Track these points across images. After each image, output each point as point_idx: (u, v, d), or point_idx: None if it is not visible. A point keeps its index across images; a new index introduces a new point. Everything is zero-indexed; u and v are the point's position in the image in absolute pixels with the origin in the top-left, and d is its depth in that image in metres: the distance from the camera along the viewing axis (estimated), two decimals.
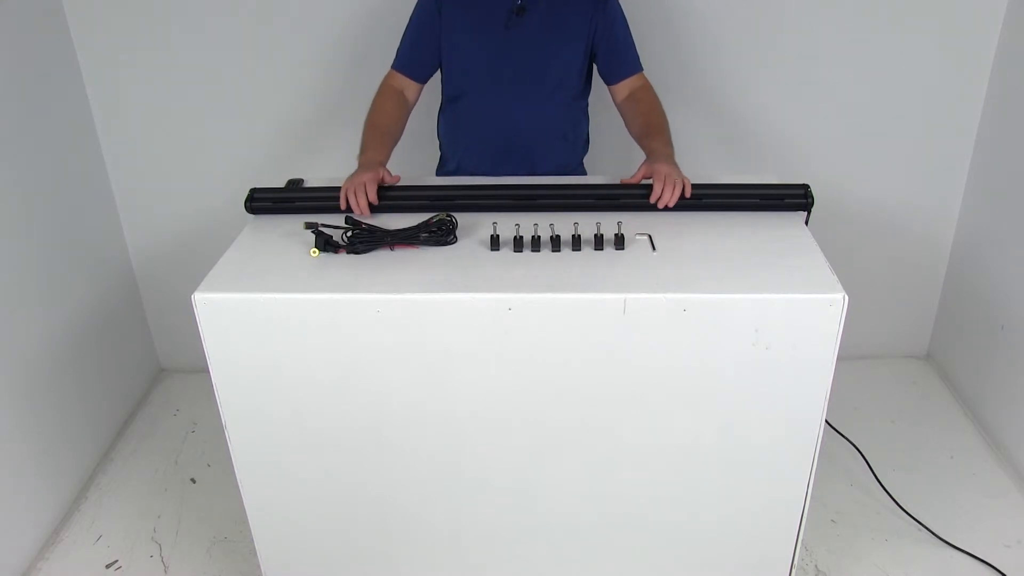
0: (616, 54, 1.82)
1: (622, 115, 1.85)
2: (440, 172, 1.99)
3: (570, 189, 1.64)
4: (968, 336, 2.41)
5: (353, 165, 2.32)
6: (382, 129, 1.76)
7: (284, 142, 2.35)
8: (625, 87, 1.83)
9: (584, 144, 1.98)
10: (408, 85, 1.84)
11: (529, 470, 1.49)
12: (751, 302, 1.31)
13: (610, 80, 1.85)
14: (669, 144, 1.70)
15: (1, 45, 1.92)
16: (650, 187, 1.56)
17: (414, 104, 1.87)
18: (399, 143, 1.80)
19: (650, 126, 1.74)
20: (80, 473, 2.20)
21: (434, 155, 2.02)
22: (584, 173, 1.99)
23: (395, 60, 1.86)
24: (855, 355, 2.37)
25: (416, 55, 1.83)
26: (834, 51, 2.23)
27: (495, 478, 1.50)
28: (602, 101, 1.92)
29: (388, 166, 1.67)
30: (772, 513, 1.53)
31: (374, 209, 1.58)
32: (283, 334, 1.36)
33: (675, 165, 1.58)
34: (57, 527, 2.06)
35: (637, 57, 1.85)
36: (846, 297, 1.30)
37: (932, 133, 2.32)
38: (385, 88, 1.84)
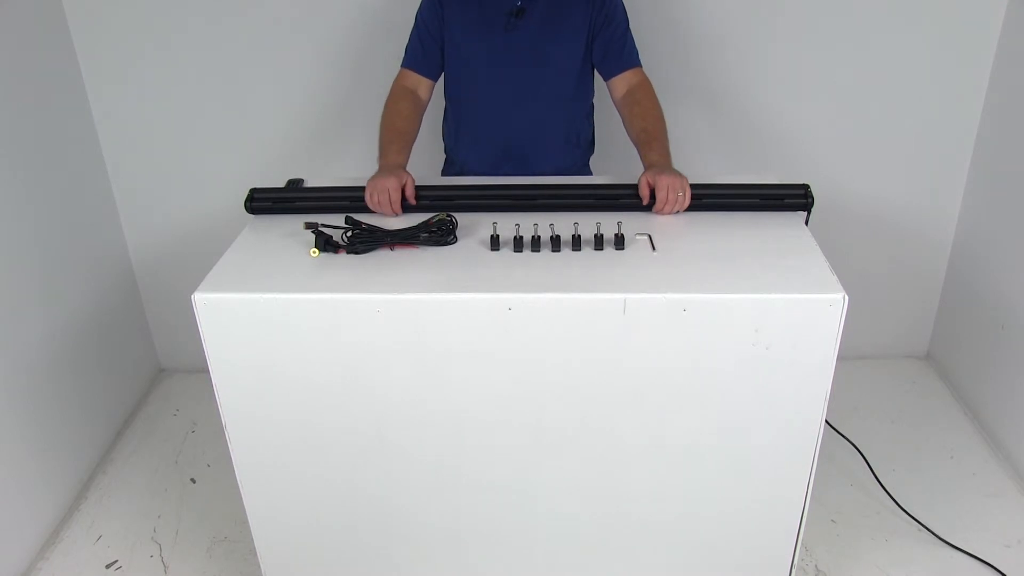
0: (613, 48, 1.82)
1: (620, 114, 1.84)
2: (445, 172, 2.00)
3: (570, 189, 1.64)
4: (968, 336, 2.42)
5: (354, 164, 2.34)
6: (399, 130, 1.76)
7: (284, 142, 2.35)
8: (623, 82, 1.82)
9: (589, 145, 1.98)
10: (420, 83, 1.85)
11: (529, 470, 1.49)
12: (751, 302, 1.31)
13: (607, 74, 1.84)
14: (667, 153, 1.70)
15: (1, 45, 1.92)
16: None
17: (427, 102, 1.87)
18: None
19: (648, 132, 1.73)
20: (80, 473, 2.20)
21: (438, 155, 2.02)
22: (590, 174, 1.99)
23: (405, 59, 1.86)
24: (855, 355, 2.37)
25: (425, 52, 1.84)
26: (834, 51, 2.23)
27: (495, 478, 1.50)
28: (609, 102, 1.91)
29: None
30: (772, 513, 1.53)
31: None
32: (283, 334, 1.36)
33: (675, 173, 1.58)
34: (57, 527, 2.06)
35: (635, 52, 1.84)
36: (846, 297, 1.30)
37: (932, 133, 2.32)
38: (397, 89, 1.84)
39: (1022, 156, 2.12)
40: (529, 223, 1.48)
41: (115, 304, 2.42)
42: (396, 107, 1.80)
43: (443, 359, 1.37)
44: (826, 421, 1.42)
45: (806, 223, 1.57)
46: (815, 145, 2.35)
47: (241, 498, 1.54)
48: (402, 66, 1.86)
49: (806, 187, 1.59)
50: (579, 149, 1.94)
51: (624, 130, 1.83)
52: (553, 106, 1.85)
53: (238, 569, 1.92)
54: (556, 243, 1.44)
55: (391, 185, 1.56)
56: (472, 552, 1.60)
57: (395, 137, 1.74)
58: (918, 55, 2.23)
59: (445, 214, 1.50)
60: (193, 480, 2.21)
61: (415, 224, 1.49)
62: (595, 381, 1.38)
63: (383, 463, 1.49)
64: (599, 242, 1.45)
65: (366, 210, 1.58)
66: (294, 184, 1.73)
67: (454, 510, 1.55)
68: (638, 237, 1.49)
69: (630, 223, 1.50)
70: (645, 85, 1.82)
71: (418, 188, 1.61)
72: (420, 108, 1.84)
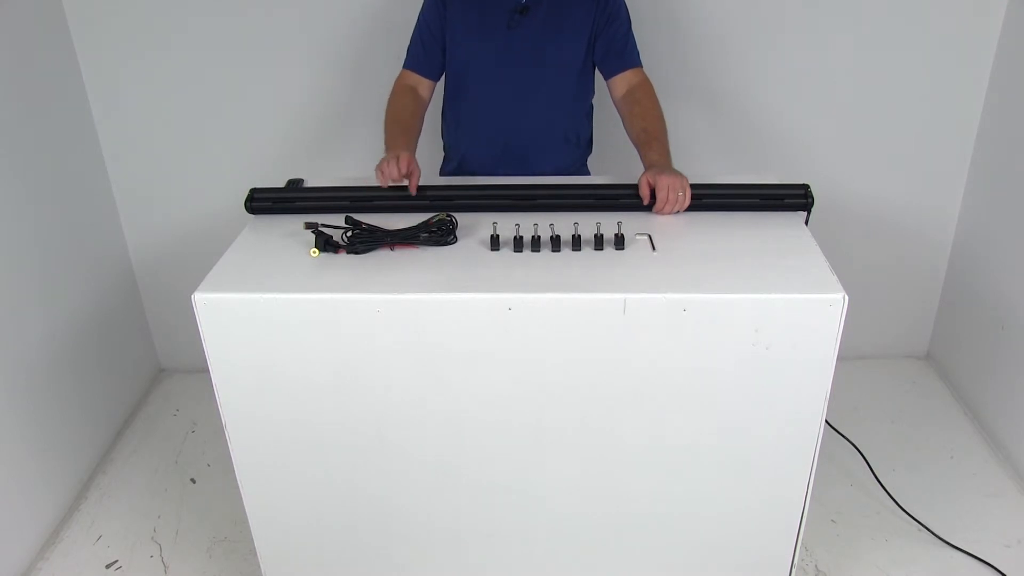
0: (614, 47, 1.82)
1: (620, 113, 1.85)
2: (444, 171, 2.00)
3: (570, 189, 1.64)
4: (968, 336, 2.41)
5: (354, 164, 2.34)
6: (403, 124, 1.76)
7: (284, 142, 2.35)
8: (623, 82, 1.82)
9: (588, 145, 1.98)
10: (421, 82, 1.85)
11: (529, 470, 1.49)
12: (751, 302, 1.31)
13: (608, 73, 1.85)
14: (667, 152, 1.70)
15: (1, 45, 1.92)
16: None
17: (428, 101, 1.88)
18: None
19: (648, 132, 1.73)
20: (80, 473, 2.20)
21: (436, 154, 2.02)
22: (588, 174, 1.99)
23: (406, 60, 1.87)
24: (855, 355, 2.37)
25: (426, 52, 1.84)
26: (835, 51, 2.23)
27: (495, 478, 1.50)
28: (608, 102, 1.91)
29: None
30: (772, 513, 1.53)
31: (380, 209, 1.58)
32: (283, 334, 1.36)
33: (676, 173, 1.58)
34: (57, 527, 2.06)
35: (636, 52, 1.84)
36: (846, 297, 1.30)
37: (932, 133, 2.32)
38: (399, 87, 1.84)
39: (1022, 156, 2.12)
40: (529, 223, 1.48)
41: (115, 304, 2.42)
42: (400, 102, 1.81)
43: (443, 359, 1.37)
44: (826, 421, 1.42)
45: (806, 223, 1.57)
46: (815, 145, 2.35)
47: (241, 498, 1.54)
48: (404, 67, 1.87)
49: (806, 187, 1.59)
50: (578, 149, 1.94)
51: (623, 130, 1.83)
52: (554, 105, 1.85)
53: (238, 569, 1.92)
54: (556, 243, 1.44)
55: (399, 154, 1.56)
56: (472, 552, 1.60)
57: (401, 131, 1.74)
58: (918, 55, 2.23)
59: (445, 214, 1.50)
60: (193, 480, 2.21)
61: (415, 224, 1.49)
62: (595, 381, 1.38)
63: (383, 463, 1.49)
64: (599, 242, 1.45)
65: (366, 210, 1.58)
66: (294, 184, 1.73)
67: (454, 510, 1.55)
68: (638, 237, 1.49)
69: (630, 223, 1.50)
70: (645, 85, 1.82)
71: (419, 187, 1.61)
72: (423, 106, 1.85)
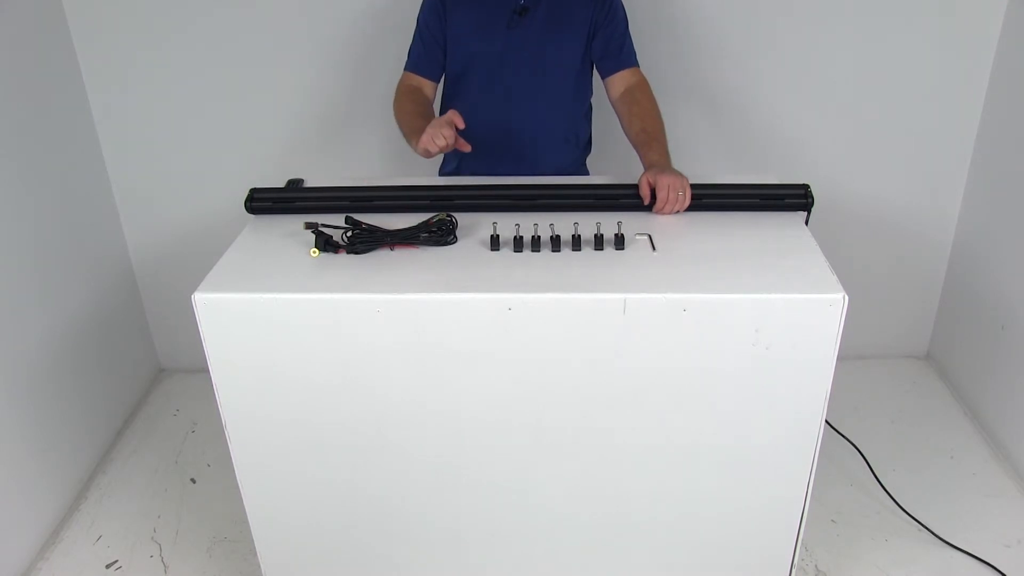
0: (612, 46, 1.82)
1: (618, 113, 1.85)
2: (442, 171, 2.00)
3: (570, 189, 1.64)
4: (968, 336, 2.42)
5: (355, 164, 2.34)
6: (421, 115, 1.75)
7: (285, 142, 2.35)
8: (620, 81, 1.83)
9: (587, 145, 1.98)
10: (423, 83, 1.86)
11: (529, 470, 1.49)
12: (751, 302, 1.31)
13: (605, 72, 1.85)
14: (666, 152, 1.70)
15: (1, 45, 1.92)
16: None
17: (432, 101, 1.88)
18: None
19: (647, 132, 1.73)
20: (80, 473, 2.20)
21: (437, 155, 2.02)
22: (587, 174, 1.99)
23: (407, 62, 1.87)
24: (855, 355, 2.37)
25: (427, 53, 1.84)
26: (835, 51, 2.23)
27: (495, 478, 1.50)
28: (607, 102, 1.91)
29: (394, 169, 1.66)
30: (772, 513, 1.53)
31: (380, 209, 1.58)
32: (283, 334, 1.36)
33: (676, 173, 1.58)
34: (57, 527, 2.06)
35: (633, 52, 1.85)
36: (846, 297, 1.30)
37: (932, 133, 2.32)
38: (403, 87, 1.85)
39: (1022, 156, 2.12)
40: (529, 223, 1.48)
41: (115, 304, 2.42)
42: (409, 99, 1.81)
43: (443, 359, 1.37)
44: (826, 421, 1.42)
45: (806, 223, 1.57)
46: (815, 145, 2.35)
47: (241, 498, 1.54)
48: (405, 69, 1.87)
49: (806, 187, 1.59)
50: (578, 149, 1.94)
51: (622, 130, 1.83)
52: (553, 106, 1.86)
53: (238, 569, 1.92)
54: (556, 243, 1.44)
55: (440, 120, 1.56)
56: (472, 552, 1.60)
57: (418, 119, 1.71)
58: (918, 55, 2.23)
59: (445, 214, 1.50)
60: (193, 480, 2.21)
61: (415, 224, 1.49)
62: (595, 381, 1.38)
63: (383, 463, 1.49)
64: (599, 242, 1.45)
65: (366, 210, 1.58)
66: (294, 184, 1.73)
67: (454, 510, 1.55)
68: (638, 237, 1.49)
69: (630, 223, 1.50)
70: (643, 85, 1.83)
71: (419, 188, 1.61)
72: (429, 106, 1.85)
